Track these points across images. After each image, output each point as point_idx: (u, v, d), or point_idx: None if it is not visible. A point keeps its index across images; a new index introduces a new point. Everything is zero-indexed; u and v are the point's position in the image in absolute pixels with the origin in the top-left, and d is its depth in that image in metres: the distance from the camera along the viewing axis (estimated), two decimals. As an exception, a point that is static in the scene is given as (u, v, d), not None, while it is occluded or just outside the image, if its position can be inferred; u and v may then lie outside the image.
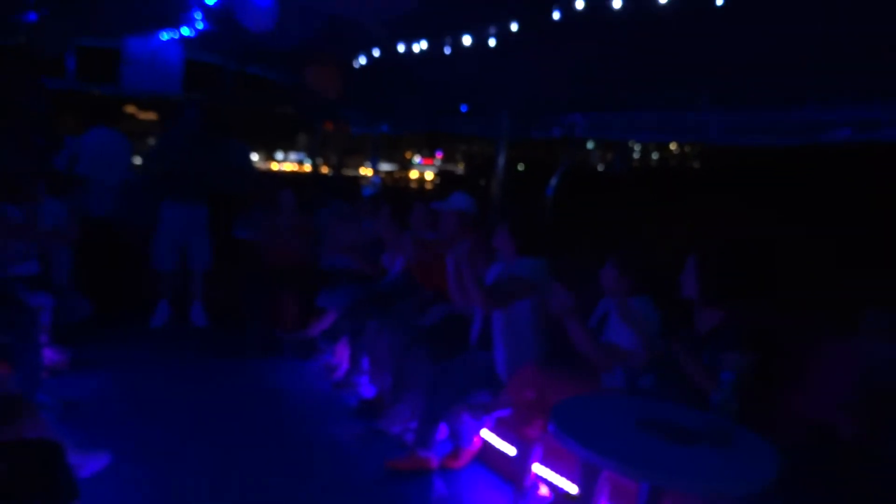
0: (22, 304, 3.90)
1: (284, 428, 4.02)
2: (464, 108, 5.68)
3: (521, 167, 17.87)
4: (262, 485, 3.31)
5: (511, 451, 3.47)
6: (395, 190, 12.60)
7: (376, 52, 4.88)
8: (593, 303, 3.34)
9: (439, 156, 33.87)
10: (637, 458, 2.03)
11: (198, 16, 5.44)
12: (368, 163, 8.90)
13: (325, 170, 9.85)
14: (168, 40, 6.43)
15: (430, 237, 4.59)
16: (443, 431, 3.67)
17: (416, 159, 34.52)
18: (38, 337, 3.94)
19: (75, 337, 4.59)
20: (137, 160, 6.20)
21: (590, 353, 3.07)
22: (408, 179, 30.82)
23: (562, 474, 3.17)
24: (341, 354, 4.90)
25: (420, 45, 4.31)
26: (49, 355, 4.26)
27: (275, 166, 30.26)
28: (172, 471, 3.32)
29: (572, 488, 3.04)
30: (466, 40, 3.87)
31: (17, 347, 3.63)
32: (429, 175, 31.84)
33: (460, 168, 32.64)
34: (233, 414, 4.13)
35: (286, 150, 32.71)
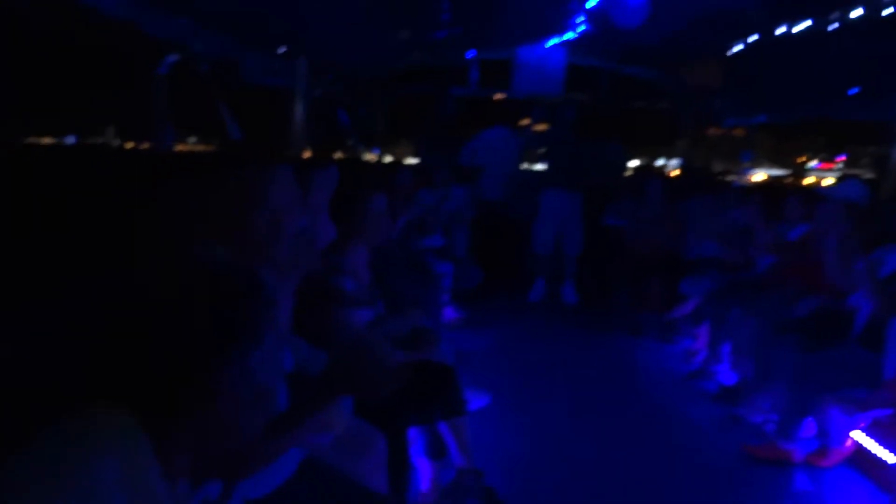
0: (430, 269, 4.78)
1: (642, 402, 4.20)
2: (853, 91, 5.11)
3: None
4: (618, 451, 3.48)
5: (890, 457, 3.13)
6: (768, 183, 11.75)
7: (753, 38, 4.73)
8: None
9: (841, 159, 29.78)
10: None
11: (580, 19, 5.90)
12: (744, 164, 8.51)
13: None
14: (554, 46, 7.08)
15: (804, 229, 4.31)
16: (809, 427, 3.45)
17: (813, 164, 30.89)
18: (441, 297, 4.79)
19: (468, 300, 5.43)
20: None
21: None
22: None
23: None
24: (701, 340, 4.88)
25: (802, 25, 4.08)
26: (448, 313, 5.13)
27: (653, 171, 30.02)
28: (538, 421, 3.75)
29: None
30: (856, 13, 3.55)
31: (425, 302, 4.48)
32: (828, 181, 28.26)
33: (867, 174, 28.34)
34: (595, 383, 4.45)
35: (668, 156, 32.24)
